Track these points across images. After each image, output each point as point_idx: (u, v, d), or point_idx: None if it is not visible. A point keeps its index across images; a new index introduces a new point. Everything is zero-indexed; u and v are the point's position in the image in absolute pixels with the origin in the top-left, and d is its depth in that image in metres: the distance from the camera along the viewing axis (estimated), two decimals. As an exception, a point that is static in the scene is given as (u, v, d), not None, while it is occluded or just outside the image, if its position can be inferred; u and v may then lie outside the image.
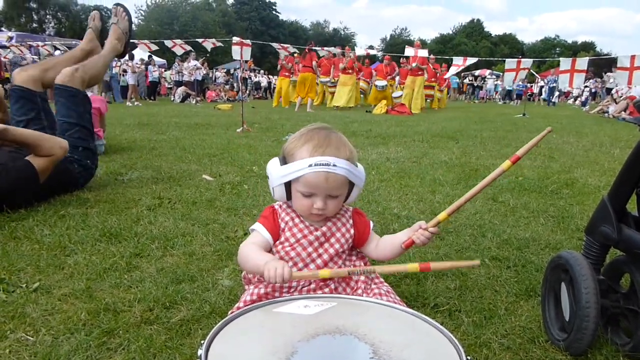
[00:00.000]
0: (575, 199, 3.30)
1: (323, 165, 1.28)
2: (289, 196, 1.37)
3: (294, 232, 1.38)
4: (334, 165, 1.29)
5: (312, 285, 1.34)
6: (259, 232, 1.40)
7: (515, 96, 25.47)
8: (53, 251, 2.09)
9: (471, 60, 12.03)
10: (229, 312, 1.39)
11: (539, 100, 26.12)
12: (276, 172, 1.35)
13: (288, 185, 1.35)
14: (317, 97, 15.59)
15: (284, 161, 1.35)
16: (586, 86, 23.62)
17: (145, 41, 10.76)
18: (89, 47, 3.40)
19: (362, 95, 16.76)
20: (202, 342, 0.91)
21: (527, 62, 11.22)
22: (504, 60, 11.43)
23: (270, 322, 1.04)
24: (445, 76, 15.78)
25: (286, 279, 1.17)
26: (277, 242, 1.39)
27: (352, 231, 1.42)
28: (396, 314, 1.08)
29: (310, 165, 1.28)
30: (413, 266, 1.15)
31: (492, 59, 23.16)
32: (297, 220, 1.40)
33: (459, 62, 11.78)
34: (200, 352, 0.89)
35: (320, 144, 1.31)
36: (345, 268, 1.26)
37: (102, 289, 1.75)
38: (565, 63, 9.00)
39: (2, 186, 2.53)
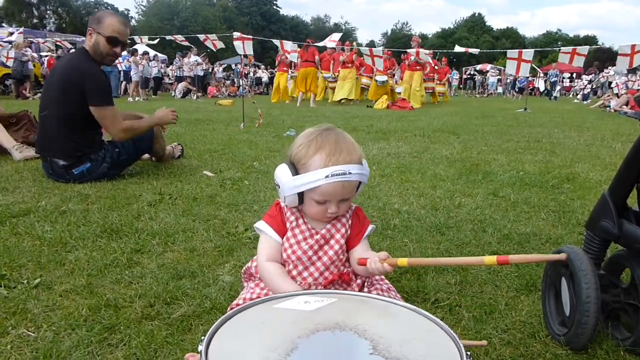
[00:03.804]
0: (576, 193, 3.30)
1: (340, 175, 1.26)
2: (300, 202, 1.35)
3: (295, 233, 1.38)
4: (349, 173, 1.27)
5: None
6: (269, 235, 1.38)
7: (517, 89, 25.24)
8: (54, 247, 2.10)
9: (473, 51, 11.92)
10: (229, 308, 1.40)
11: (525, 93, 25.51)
12: (289, 183, 1.30)
13: (300, 193, 1.33)
14: (319, 93, 15.57)
15: (295, 169, 1.31)
16: (589, 81, 23.57)
17: (145, 37, 10.74)
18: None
19: (365, 91, 16.71)
20: (202, 337, 0.91)
21: (528, 53, 11.14)
22: (505, 53, 11.35)
23: (270, 318, 1.04)
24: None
25: None
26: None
27: (349, 232, 1.41)
28: (396, 310, 1.08)
29: (327, 177, 1.26)
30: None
31: (493, 50, 22.94)
32: (300, 221, 1.39)
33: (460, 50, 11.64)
34: (201, 347, 0.89)
35: (332, 151, 1.28)
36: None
37: (103, 284, 1.76)
38: (564, 55, 9.16)
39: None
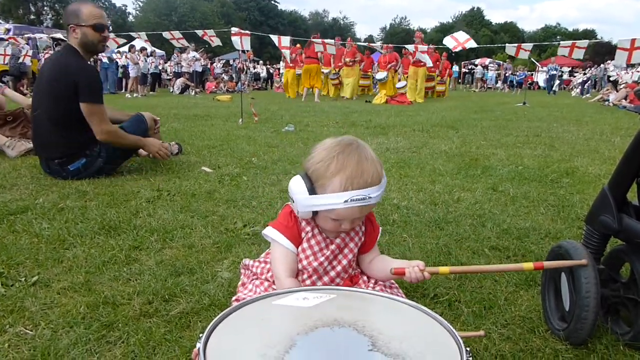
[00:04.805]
0: (575, 187, 3.29)
1: (359, 200, 1.21)
2: (314, 214, 1.30)
3: (311, 244, 1.35)
4: (369, 198, 1.22)
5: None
6: (284, 246, 1.34)
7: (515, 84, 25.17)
8: (52, 244, 2.09)
9: (471, 44, 11.85)
10: (232, 301, 1.39)
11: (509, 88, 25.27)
12: (304, 201, 1.25)
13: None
14: (323, 88, 15.66)
15: (311, 186, 1.25)
16: (585, 74, 23.59)
17: (143, 33, 10.65)
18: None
19: (362, 90, 16.64)
20: (200, 335, 0.90)
21: (527, 47, 11.17)
22: (504, 47, 11.36)
23: (269, 315, 1.03)
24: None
25: None
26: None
27: (363, 239, 1.41)
28: (395, 306, 1.08)
29: (345, 201, 1.21)
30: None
31: (492, 45, 22.87)
32: (316, 231, 1.35)
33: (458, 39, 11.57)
34: (199, 345, 0.88)
35: (353, 174, 1.21)
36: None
37: (101, 282, 1.75)
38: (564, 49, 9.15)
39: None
